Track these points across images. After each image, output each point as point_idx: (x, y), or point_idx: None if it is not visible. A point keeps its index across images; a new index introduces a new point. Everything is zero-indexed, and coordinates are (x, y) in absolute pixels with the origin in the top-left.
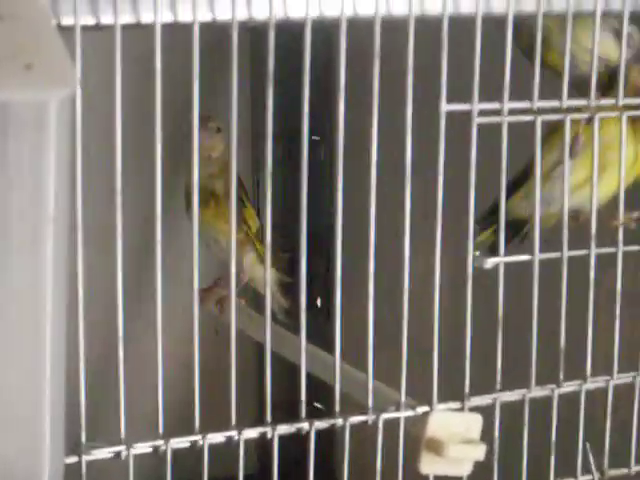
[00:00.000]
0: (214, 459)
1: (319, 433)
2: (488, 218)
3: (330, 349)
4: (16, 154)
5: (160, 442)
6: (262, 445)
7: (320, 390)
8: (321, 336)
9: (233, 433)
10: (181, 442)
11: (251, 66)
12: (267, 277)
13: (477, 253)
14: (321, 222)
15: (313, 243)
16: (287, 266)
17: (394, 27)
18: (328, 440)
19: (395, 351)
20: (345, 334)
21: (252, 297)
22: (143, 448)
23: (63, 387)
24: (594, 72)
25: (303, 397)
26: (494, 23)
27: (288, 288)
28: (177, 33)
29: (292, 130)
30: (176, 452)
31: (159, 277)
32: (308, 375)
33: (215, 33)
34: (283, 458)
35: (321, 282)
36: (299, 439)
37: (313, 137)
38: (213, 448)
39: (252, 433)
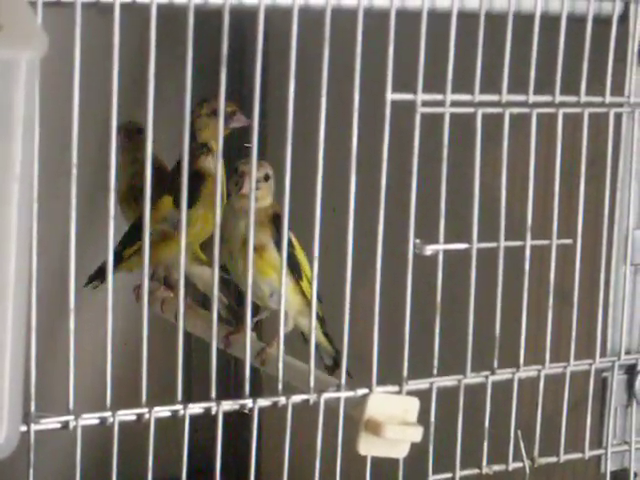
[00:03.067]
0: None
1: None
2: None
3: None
4: None
5: (107, 414)
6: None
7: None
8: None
9: (179, 407)
10: (128, 414)
11: None
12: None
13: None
14: None
15: None
16: None
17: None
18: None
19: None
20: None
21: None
22: (91, 419)
23: (23, 349)
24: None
25: (247, 375)
26: (439, 17)
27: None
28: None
29: None
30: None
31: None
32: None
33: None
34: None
35: None
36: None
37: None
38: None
39: (197, 409)
